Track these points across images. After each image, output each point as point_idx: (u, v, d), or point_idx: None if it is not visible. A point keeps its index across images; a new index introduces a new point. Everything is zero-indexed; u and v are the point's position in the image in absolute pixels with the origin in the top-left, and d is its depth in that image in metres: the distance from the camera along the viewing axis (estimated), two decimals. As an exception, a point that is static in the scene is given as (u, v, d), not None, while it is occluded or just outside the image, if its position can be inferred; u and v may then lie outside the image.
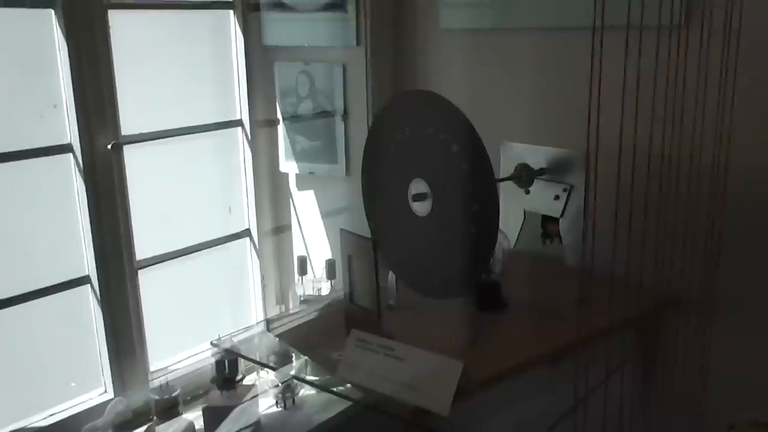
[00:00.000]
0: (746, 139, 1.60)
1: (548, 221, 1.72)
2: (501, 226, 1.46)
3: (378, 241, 1.53)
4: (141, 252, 1.99)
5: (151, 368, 2.04)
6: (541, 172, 1.72)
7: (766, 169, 1.61)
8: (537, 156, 1.72)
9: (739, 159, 1.61)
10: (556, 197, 1.67)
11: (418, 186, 1.51)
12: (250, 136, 2.27)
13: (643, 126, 1.39)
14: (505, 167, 1.78)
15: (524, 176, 1.73)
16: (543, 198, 1.71)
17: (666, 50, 1.41)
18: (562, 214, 1.67)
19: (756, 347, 1.69)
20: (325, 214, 2.30)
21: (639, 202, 1.46)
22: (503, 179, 1.75)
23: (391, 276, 1.66)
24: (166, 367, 2.08)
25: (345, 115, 2.16)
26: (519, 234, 1.78)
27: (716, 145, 1.56)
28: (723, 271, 1.66)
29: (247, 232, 2.34)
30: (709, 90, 1.53)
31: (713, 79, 1.53)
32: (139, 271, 1.99)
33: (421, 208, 1.52)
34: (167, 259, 2.09)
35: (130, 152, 1.92)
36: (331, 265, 2.14)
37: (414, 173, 1.52)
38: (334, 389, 1.46)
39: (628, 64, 1.29)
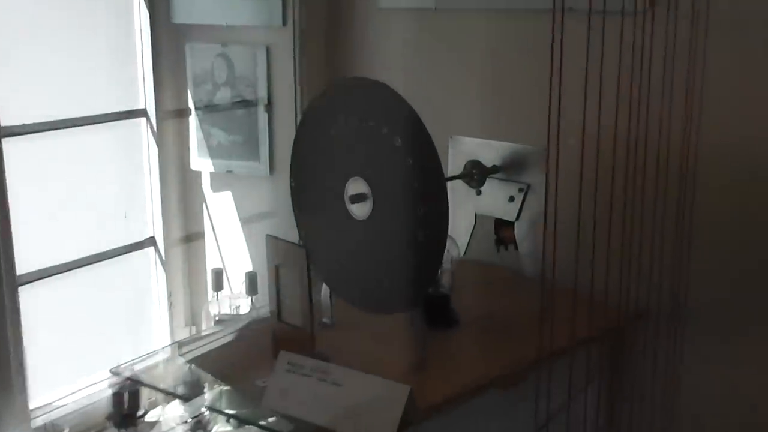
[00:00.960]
0: (714, 137, 1.68)
1: (502, 226, 1.76)
2: (450, 231, 1.49)
3: (310, 249, 1.54)
4: (23, 265, 1.92)
5: (33, 404, 1.97)
6: (495, 170, 1.76)
7: (736, 165, 1.70)
8: (490, 152, 1.76)
9: (708, 158, 1.68)
10: (511, 198, 1.72)
11: (356, 186, 1.52)
12: (156, 129, 2.24)
13: (607, 118, 1.45)
14: (453, 164, 1.82)
15: (475, 175, 1.77)
16: (496, 199, 1.75)
17: (630, 35, 1.47)
18: (518, 218, 1.71)
19: (730, 362, 1.77)
20: (246, 220, 2.29)
21: (604, 205, 1.51)
22: (452, 178, 1.78)
23: (325, 289, 1.66)
24: (52, 403, 2.02)
25: (269, 105, 2.16)
26: (469, 240, 1.81)
27: (684, 142, 1.63)
28: (693, 280, 1.73)
29: (151, 241, 2.30)
30: (676, 81, 1.59)
31: (680, 67, 1.60)
32: (20, 288, 1.93)
33: (359, 211, 1.53)
34: (54, 273, 2.04)
35: (10, 146, 1.86)
36: (252, 279, 2.13)
37: (351, 171, 1.53)
38: (259, 422, 1.45)
39: (591, 51, 1.34)
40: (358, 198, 1.52)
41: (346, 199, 1.54)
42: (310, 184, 1.64)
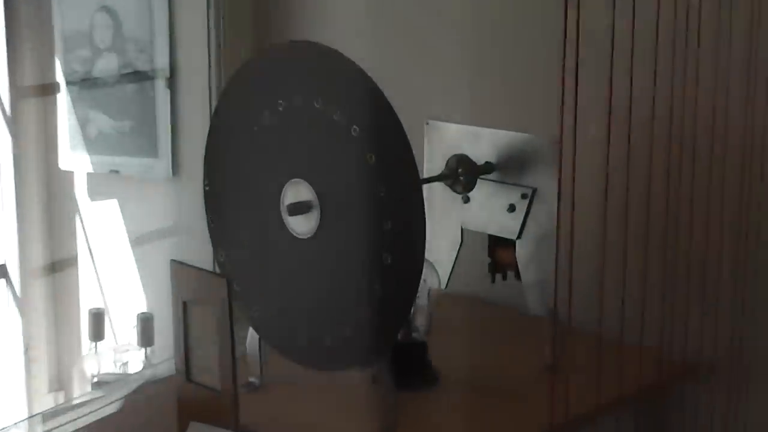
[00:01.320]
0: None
1: (499, 246, 1.78)
2: (427, 253, 1.50)
3: (232, 279, 1.54)
4: None
5: None
6: (488, 168, 1.78)
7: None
8: (481, 143, 1.78)
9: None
10: (511, 208, 1.74)
11: (297, 191, 1.53)
12: (9, 112, 2.24)
13: (641, 99, 1.48)
14: (432, 161, 1.84)
15: (462, 175, 1.79)
16: (491, 209, 1.77)
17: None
18: (520, 235, 1.73)
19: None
20: (138, 239, 2.29)
21: (638, 217, 1.55)
22: (430, 179, 1.79)
23: (254, 336, 1.67)
24: None
25: (172, 78, 2.17)
26: (453, 266, 1.83)
27: (746, 130, 1.67)
28: (761, 320, 1.77)
29: (0, 271, 2.29)
30: (733, 47, 1.64)
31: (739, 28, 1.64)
32: None
33: (302, 226, 1.54)
34: None
35: None
36: (146, 323, 2.13)
37: (291, 172, 1.54)
38: None
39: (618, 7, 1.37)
40: (299, 208, 1.53)
41: (282, 209, 1.55)
42: (231, 189, 1.64)
